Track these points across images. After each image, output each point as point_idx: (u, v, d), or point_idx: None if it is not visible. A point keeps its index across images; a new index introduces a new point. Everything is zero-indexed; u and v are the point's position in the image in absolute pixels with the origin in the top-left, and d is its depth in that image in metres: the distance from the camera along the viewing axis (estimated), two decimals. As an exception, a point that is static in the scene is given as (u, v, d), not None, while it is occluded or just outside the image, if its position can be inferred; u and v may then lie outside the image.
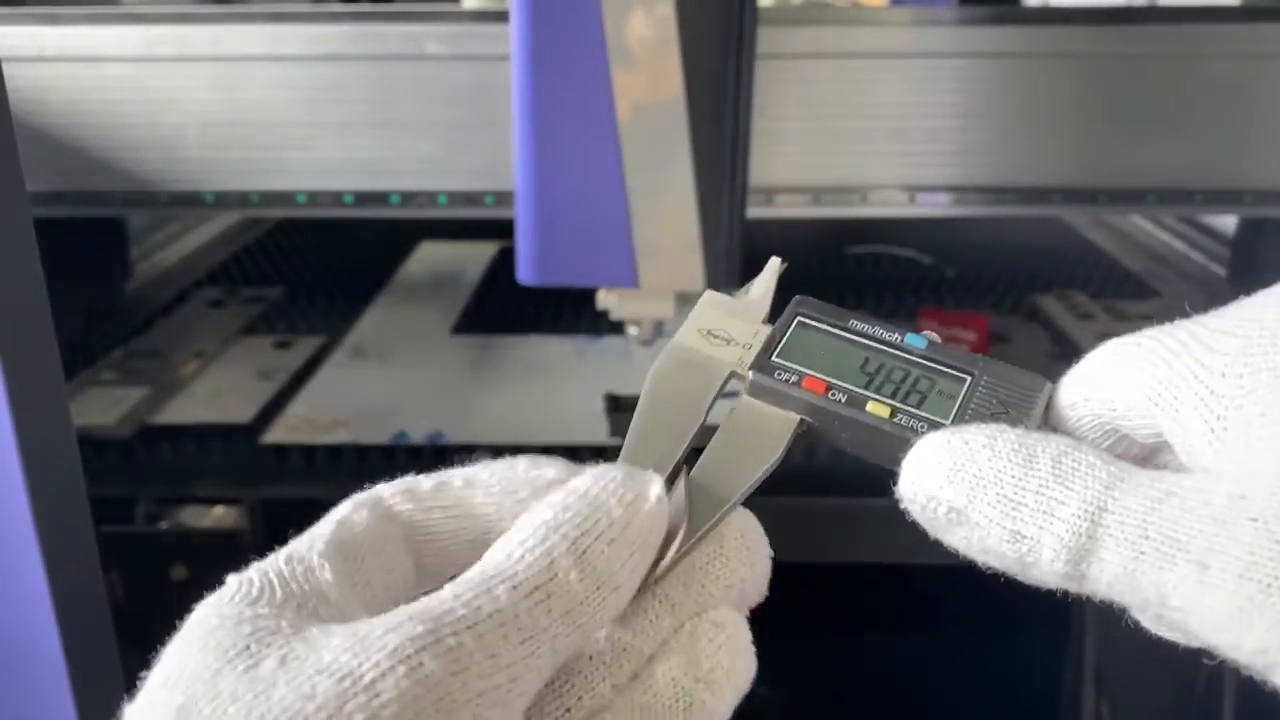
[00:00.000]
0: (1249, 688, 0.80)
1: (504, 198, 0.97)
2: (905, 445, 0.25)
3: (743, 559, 0.26)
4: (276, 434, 0.90)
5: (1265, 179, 1.00)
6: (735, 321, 0.30)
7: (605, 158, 0.73)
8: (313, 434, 0.90)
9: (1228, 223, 1.26)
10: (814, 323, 0.30)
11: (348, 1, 1.53)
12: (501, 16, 0.89)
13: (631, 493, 0.24)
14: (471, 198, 0.99)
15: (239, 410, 0.94)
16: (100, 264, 1.19)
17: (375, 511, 0.26)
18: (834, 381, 0.28)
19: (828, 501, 0.81)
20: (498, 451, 0.97)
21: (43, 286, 0.51)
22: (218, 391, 0.98)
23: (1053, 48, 0.98)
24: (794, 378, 0.28)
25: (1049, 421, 0.27)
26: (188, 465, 0.86)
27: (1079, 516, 0.22)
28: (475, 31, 0.96)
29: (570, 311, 1.17)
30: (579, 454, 0.87)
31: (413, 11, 1.02)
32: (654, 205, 0.75)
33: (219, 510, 0.80)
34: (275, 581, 0.24)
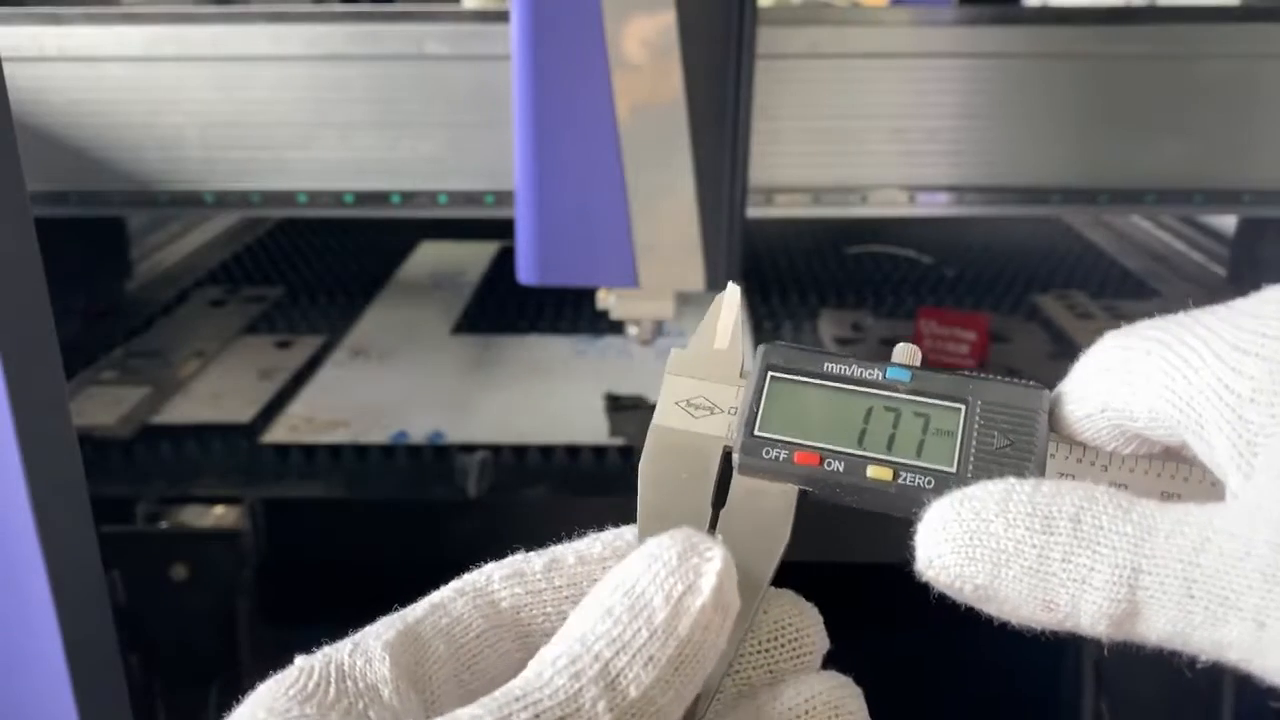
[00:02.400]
0: (1249, 688, 0.80)
1: (504, 198, 0.97)
2: (914, 504, 0.24)
3: None
4: (276, 434, 0.90)
5: (1265, 179, 1.00)
6: (713, 384, 0.28)
7: (605, 158, 0.73)
8: (313, 434, 0.90)
9: (1228, 223, 1.26)
10: (788, 375, 0.27)
11: (348, 1, 1.53)
12: (501, 16, 0.89)
13: (681, 584, 0.21)
14: (471, 198, 0.99)
15: (239, 410, 0.94)
16: (100, 264, 1.19)
17: (477, 599, 0.25)
18: (826, 448, 0.26)
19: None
20: (498, 451, 0.97)
21: (43, 286, 0.51)
22: (218, 391, 0.98)
23: (1053, 48, 0.98)
24: (784, 453, 0.26)
25: (1062, 432, 0.26)
26: (188, 465, 0.86)
27: (1114, 584, 0.21)
28: (475, 31, 0.96)
29: (570, 311, 1.17)
30: (579, 454, 0.87)
31: (413, 11, 1.02)
32: (654, 205, 0.75)
33: (219, 510, 0.80)
34: (333, 674, 0.23)
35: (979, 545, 0.22)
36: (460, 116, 0.97)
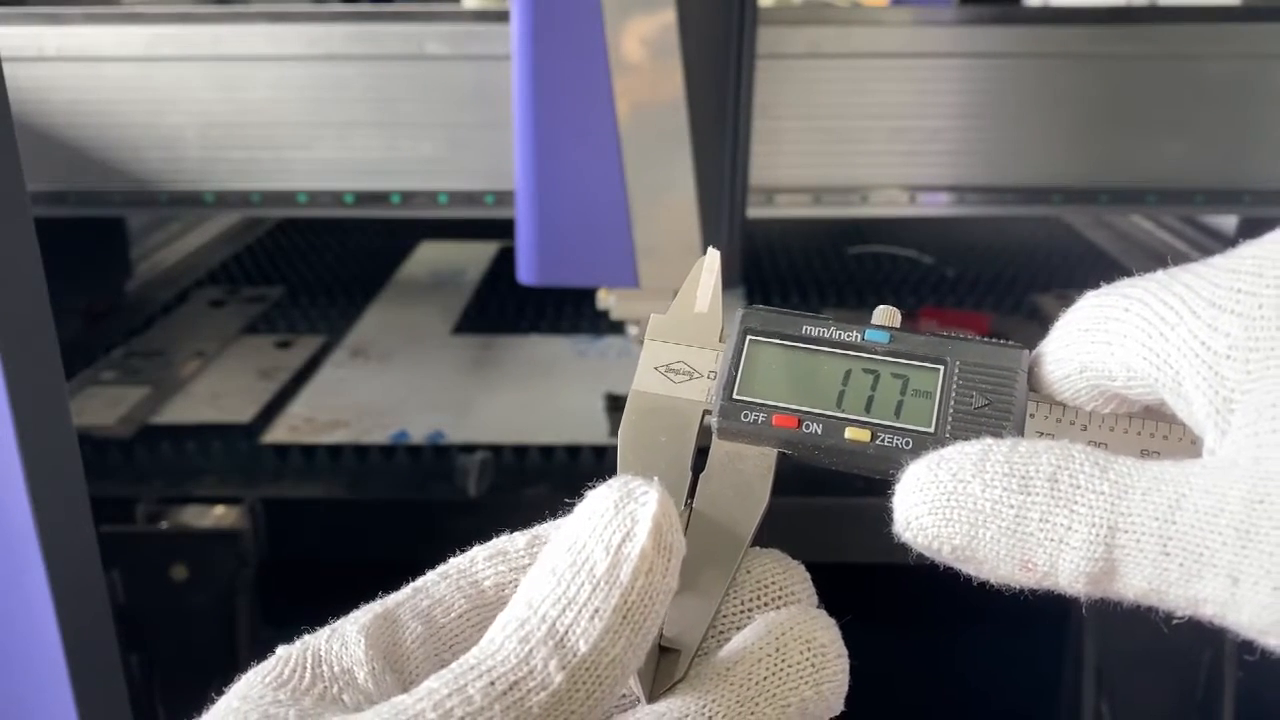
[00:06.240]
0: (1249, 688, 0.79)
1: (504, 198, 0.97)
2: (892, 465, 0.24)
3: (806, 676, 0.23)
4: (276, 434, 0.90)
5: (1265, 179, 1.00)
6: (691, 349, 0.28)
7: (605, 158, 0.73)
8: (313, 434, 0.90)
9: (1228, 223, 1.26)
10: (767, 339, 0.27)
11: (348, 1, 1.53)
12: (501, 16, 0.89)
13: (619, 532, 0.21)
14: (471, 198, 0.99)
15: (239, 410, 0.94)
16: (100, 264, 1.19)
17: (460, 581, 0.25)
18: (805, 410, 0.26)
19: (827, 501, 0.81)
20: (498, 451, 0.97)
21: (43, 286, 0.51)
22: (218, 391, 0.98)
23: (1053, 48, 0.98)
24: (762, 416, 0.26)
25: (1041, 392, 0.26)
26: (188, 465, 0.86)
27: (1091, 542, 0.21)
28: (475, 31, 0.96)
29: (570, 311, 1.17)
30: (579, 454, 0.87)
31: (413, 11, 1.02)
32: (654, 205, 0.75)
33: (219, 510, 0.80)
34: (310, 660, 0.23)
35: (956, 506, 0.22)
36: (460, 116, 0.97)
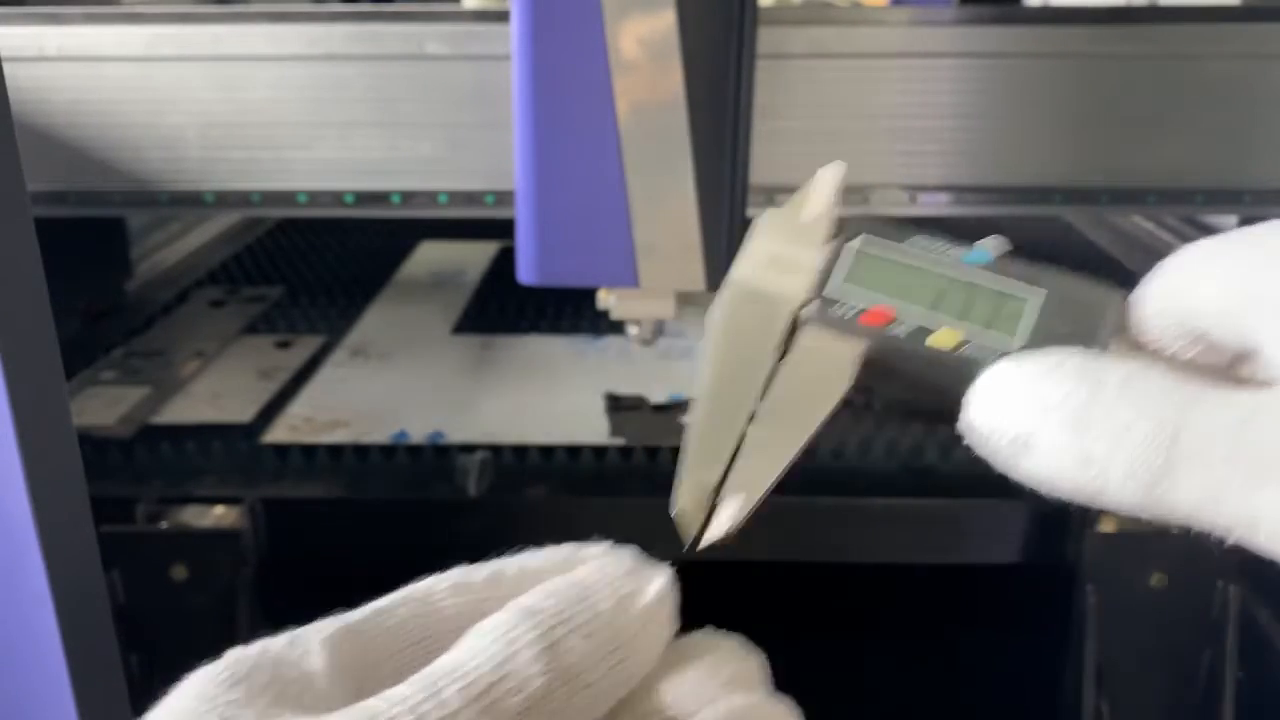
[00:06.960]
0: (1249, 688, 0.79)
1: (504, 198, 0.97)
2: (969, 377, 0.25)
3: None
4: (276, 434, 0.90)
5: (1265, 179, 1.00)
6: (797, 247, 0.29)
7: (605, 158, 0.73)
8: (313, 434, 0.90)
9: (1228, 223, 1.26)
10: (873, 246, 0.29)
11: (348, 1, 1.53)
12: (501, 16, 0.89)
13: (629, 586, 0.22)
14: (471, 198, 0.99)
15: (239, 410, 0.94)
16: (100, 264, 1.19)
17: (421, 606, 0.25)
18: (895, 312, 0.27)
19: (827, 501, 0.81)
20: (498, 451, 0.97)
21: (43, 286, 0.51)
22: (218, 391, 0.98)
23: (1053, 48, 0.98)
24: (853, 311, 0.27)
25: (1130, 330, 0.26)
26: (188, 465, 0.86)
27: (1152, 437, 0.21)
28: (475, 31, 0.96)
29: (570, 311, 1.17)
30: (579, 454, 0.87)
31: (413, 11, 1.02)
32: (654, 205, 0.75)
33: (219, 510, 0.80)
34: (268, 663, 0.23)
35: (1026, 398, 0.23)
36: (460, 116, 0.97)
